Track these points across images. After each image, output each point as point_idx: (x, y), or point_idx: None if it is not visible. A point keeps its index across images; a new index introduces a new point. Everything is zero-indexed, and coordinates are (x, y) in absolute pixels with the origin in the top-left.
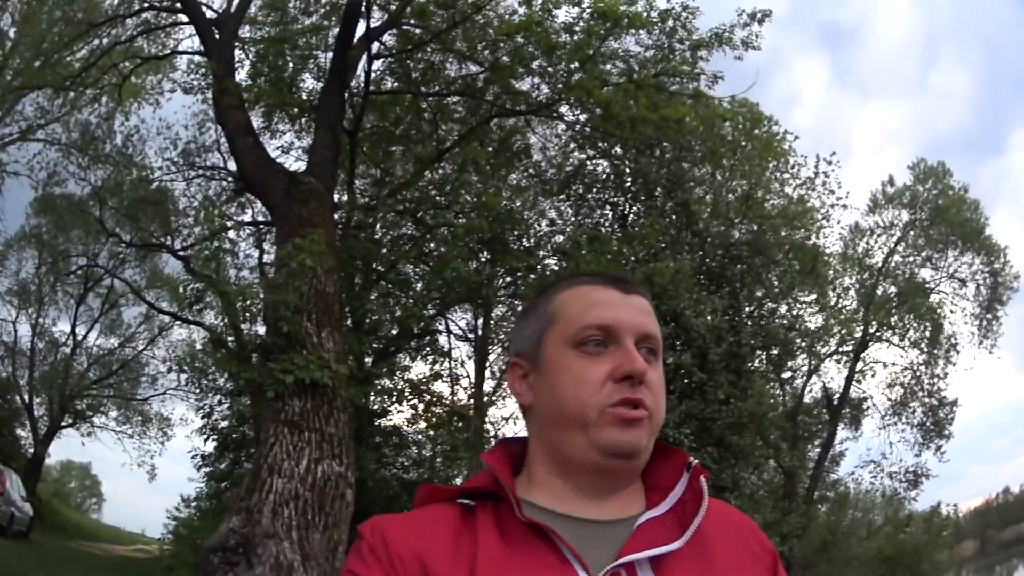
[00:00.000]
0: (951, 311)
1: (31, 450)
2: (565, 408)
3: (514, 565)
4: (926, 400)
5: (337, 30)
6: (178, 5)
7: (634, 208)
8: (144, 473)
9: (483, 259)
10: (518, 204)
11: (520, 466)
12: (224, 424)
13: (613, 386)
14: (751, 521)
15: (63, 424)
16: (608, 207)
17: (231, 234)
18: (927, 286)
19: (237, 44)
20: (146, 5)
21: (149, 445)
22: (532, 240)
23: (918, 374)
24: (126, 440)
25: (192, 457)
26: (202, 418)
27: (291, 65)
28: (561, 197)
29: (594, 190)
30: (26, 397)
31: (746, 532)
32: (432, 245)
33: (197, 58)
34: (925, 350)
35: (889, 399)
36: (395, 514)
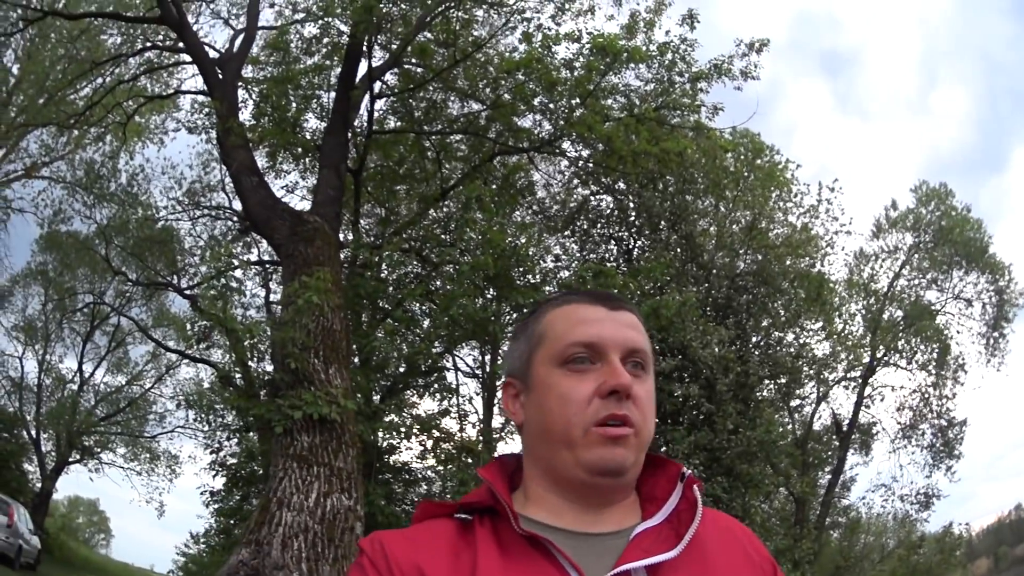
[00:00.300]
0: (958, 331)
1: (38, 485)
2: (552, 427)
3: None
4: (935, 422)
5: (339, 70)
6: (180, 45)
7: (639, 242)
8: (153, 509)
9: (489, 296)
10: (523, 241)
11: (517, 482)
12: (233, 461)
13: (599, 402)
14: (748, 529)
15: (70, 460)
16: (613, 242)
17: (237, 273)
18: (933, 308)
19: (240, 84)
20: (149, 44)
21: (157, 482)
22: (537, 276)
23: (926, 396)
24: (134, 477)
25: (201, 493)
26: (211, 454)
27: (294, 105)
28: (566, 233)
29: (598, 225)
30: (33, 432)
31: (743, 540)
32: (438, 283)
33: (201, 98)
34: (933, 372)
35: (898, 422)
36: (395, 529)
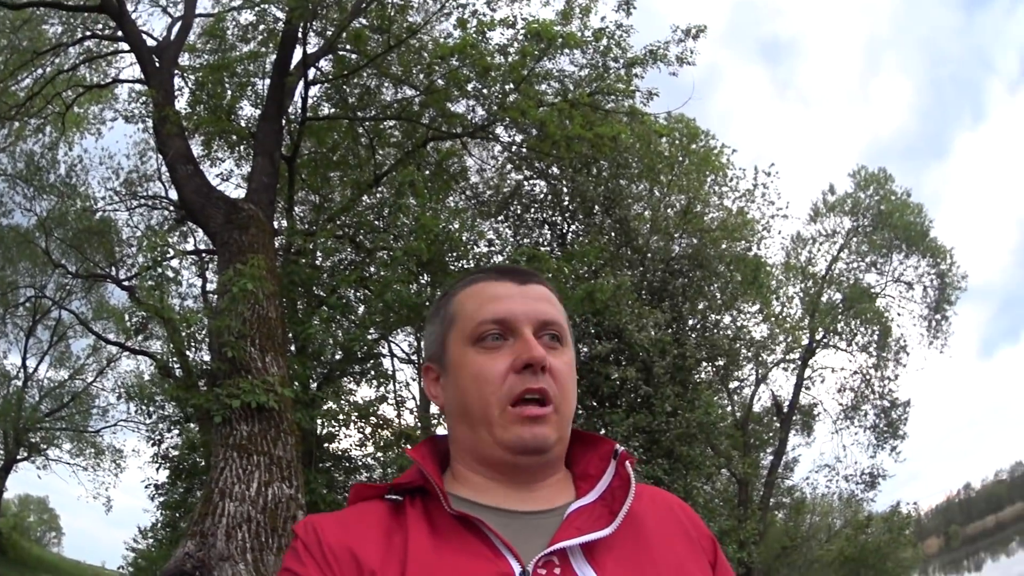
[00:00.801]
0: (898, 314)
1: None
2: (469, 407)
3: (444, 558)
4: (878, 403)
5: (274, 57)
6: (119, 34)
7: (572, 226)
8: (100, 505)
9: (423, 281)
10: (456, 226)
11: (447, 462)
12: (175, 453)
13: (515, 378)
14: (687, 506)
15: (18, 457)
16: (546, 226)
17: (174, 263)
18: (872, 291)
19: (177, 72)
20: (88, 33)
21: (103, 477)
22: (471, 261)
23: (868, 378)
24: (80, 473)
25: (146, 487)
26: (152, 446)
27: (229, 92)
28: (499, 218)
29: (532, 210)
30: None
31: (681, 517)
32: (372, 269)
33: (138, 86)
34: (874, 354)
35: (840, 404)
36: (328, 513)
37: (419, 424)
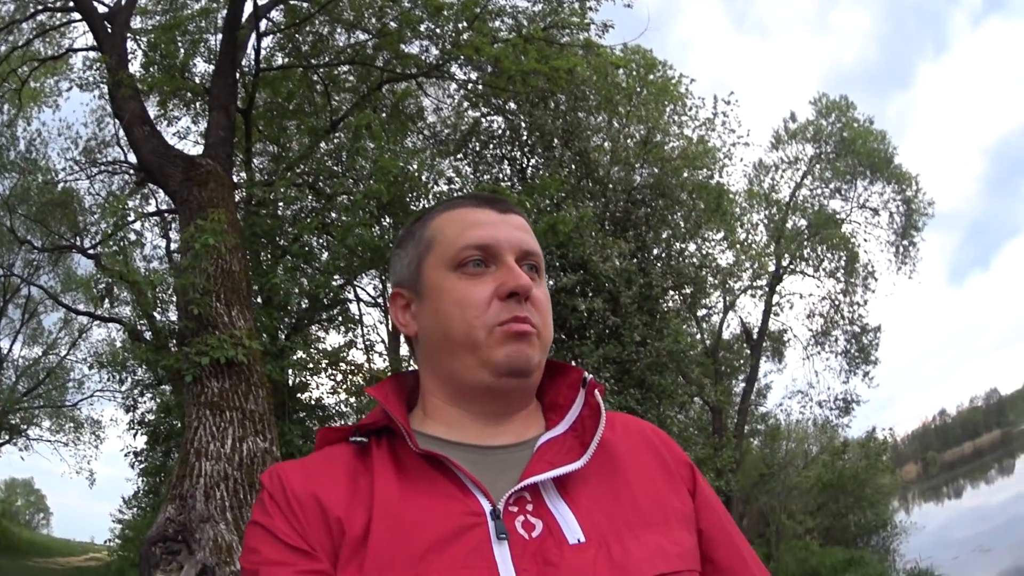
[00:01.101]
0: (865, 240)
1: None
2: (452, 331)
3: (411, 498)
4: (848, 328)
5: (225, 12)
6: (71, 4)
7: (532, 161)
8: (84, 480)
9: (385, 223)
10: (415, 166)
11: (415, 400)
12: (151, 417)
13: (499, 305)
14: (662, 432)
15: (1, 441)
16: (506, 162)
17: (137, 226)
18: (838, 217)
19: (129, 35)
20: (41, 7)
21: (84, 450)
22: (431, 200)
23: (837, 303)
24: (62, 449)
25: (125, 455)
26: (127, 412)
27: (182, 51)
28: (459, 156)
29: (491, 146)
30: None
31: (657, 444)
32: (333, 215)
33: (92, 54)
34: (842, 279)
35: (810, 329)
36: (293, 460)
37: (390, 367)
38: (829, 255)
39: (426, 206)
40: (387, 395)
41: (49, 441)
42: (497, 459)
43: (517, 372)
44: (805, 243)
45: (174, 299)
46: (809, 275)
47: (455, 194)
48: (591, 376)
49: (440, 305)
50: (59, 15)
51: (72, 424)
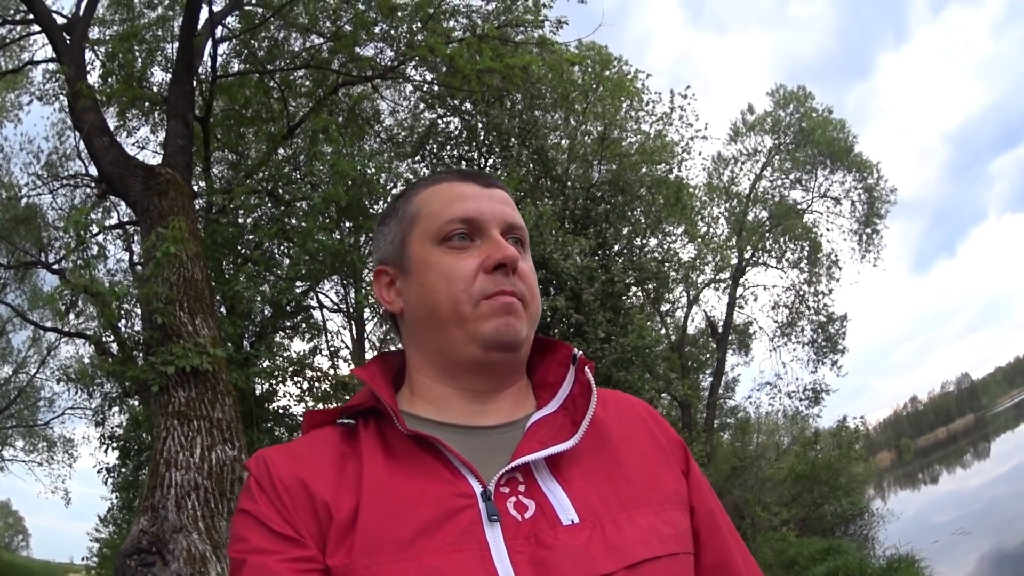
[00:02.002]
0: (827, 229)
1: None
2: (438, 306)
3: (400, 481)
4: (814, 318)
5: (181, 19)
6: (30, 16)
7: (490, 160)
8: (59, 499)
9: (345, 228)
10: (372, 168)
11: (402, 380)
12: (121, 432)
13: (485, 277)
14: (654, 411)
15: None
16: (464, 162)
17: (100, 238)
18: (799, 207)
19: (88, 46)
20: (1, 19)
21: (59, 469)
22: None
23: (802, 294)
24: (36, 469)
25: (98, 472)
26: (96, 426)
27: (140, 60)
28: (416, 158)
29: (448, 147)
30: None
31: (649, 421)
32: (293, 221)
33: (51, 66)
34: (805, 269)
35: (775, 321)
36: (280, 445)
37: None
38: (791, 246)
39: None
40: (373, 375)
41: (23, 461)
42: (487, 439)
43: (505, 345)
44: (767, 234)
45: (139, 311)
46: (772, 266)
47: None
48: (580, 352)
49: (426, 280)
50: (18, 28)
51: (45, 443)
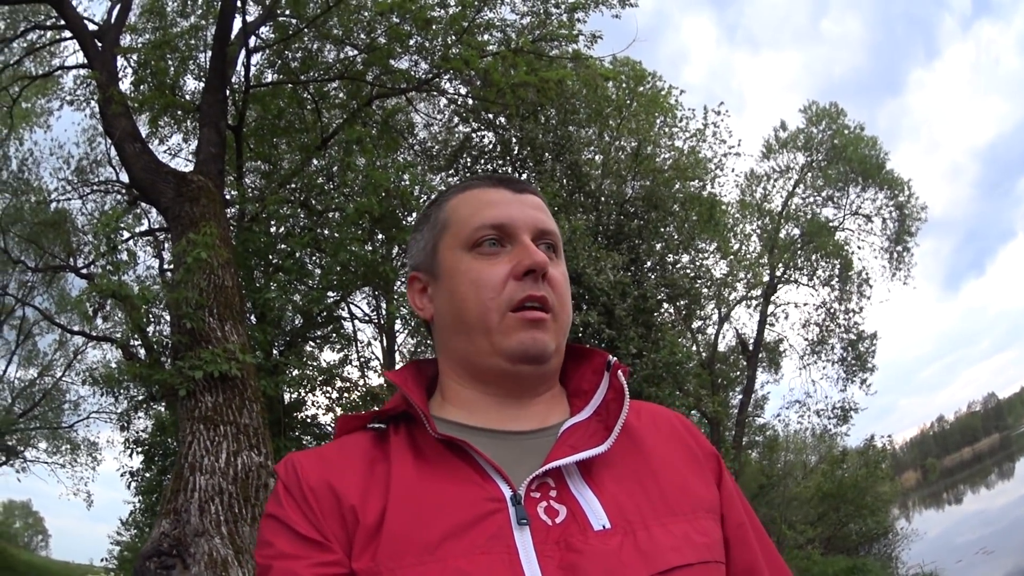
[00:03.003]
0: (859, 247)
1: None
2: (466, 313)
3: (430, 484)
4: (844, 336)
5: (214, 29)
6: (61, 22)
7: (524, 175)
8: (81, 502)
9: (378, 239)
10: (406, 180)
11: (434, 387)
12: (146, 436)
13: (515, 284)
14: (688, 421)
15: None
16: (496, 173)
17: (130, 244)
18: (831, 225)
19: (119, 53)
20: (30, 25)
21: (82, 472)
22: None
23: (832, 311)
24: (59, 470)
25: (122, 475)
26: (121, 430)
27: (172, 68)
28: (450, 171)
29: (482, 161)
30: None
31: (683, 433)
32: (326, 231)
33: (83, 72)
34: (836, 287)
35: (806, 339)
36: (309, 449)
37: (385, 383)
38: (823, 263)
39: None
40: (406, 380)
41: (46, 463)
42: (518, 444)
43: (532, 359)
44: (799, 252)
45: (167, 316)
46: (803, 284)
47: None
48: (615, 359)
49: (455, 286)
50: (49, 33)
51: (69, 446)
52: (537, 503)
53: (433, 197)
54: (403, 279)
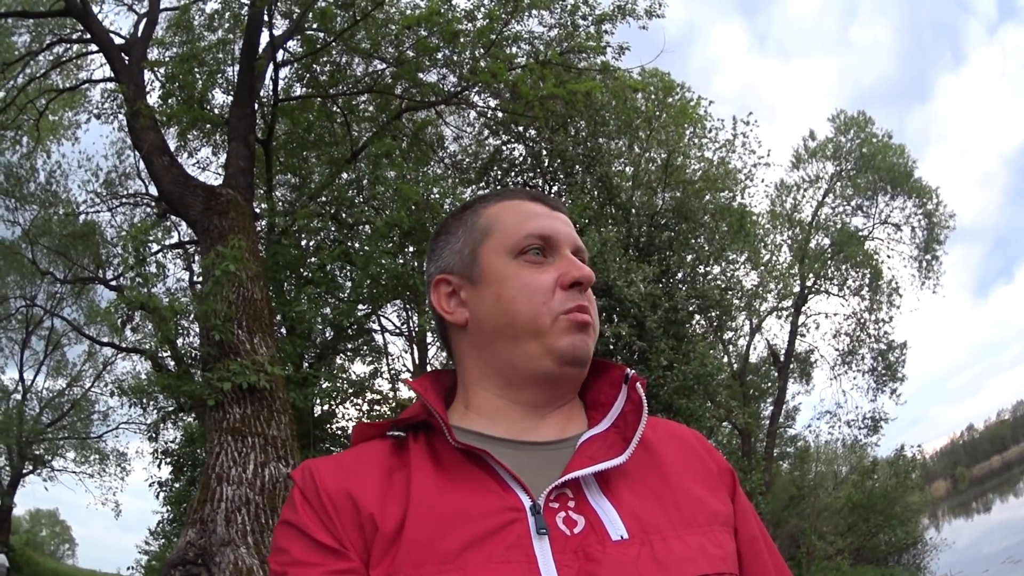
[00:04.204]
0: (888, 256)
1: None
2: (516, 316)
3: (449, 493)
4: (874, 346)
5: (242, 43)
6: (87, 36)
7: (554, 188)
8: (109, 511)
9: (408, 253)
10: (436, 193)
11: (451, 397)
12: (175, 447)
13: (563, 293)
14: (704, 438)
15: (25, 471)
16: (528, 188)
17: (159, 256)
18: (861, 234)
19: (146, 66)
20: (57, 39)
21: (110, 482)
22: None
23: (862, 321)
24: (87, 480)
25: (150, 486)
26: (150, 440)
27: (200, 81)
28: (480, 184)
29: (512, 174)
30: None
31: (699, 448)
32: (356, 245)
33: (110, 85)
34: (866, 297)
35: (836, 349)
36: (327, 456)
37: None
38: (853, 273)
39: None
40: (426, 389)
41: (74, 472)
42: (537, 455)
43: (578, 361)
44: (829, 262)
45: (196, 328)
46: (834, 294)
47: None
48: (633, 371)
49: (503, 290)
50: (75, 47)
51: (97, 456)
52: (556, 513)
53: (465, 202)
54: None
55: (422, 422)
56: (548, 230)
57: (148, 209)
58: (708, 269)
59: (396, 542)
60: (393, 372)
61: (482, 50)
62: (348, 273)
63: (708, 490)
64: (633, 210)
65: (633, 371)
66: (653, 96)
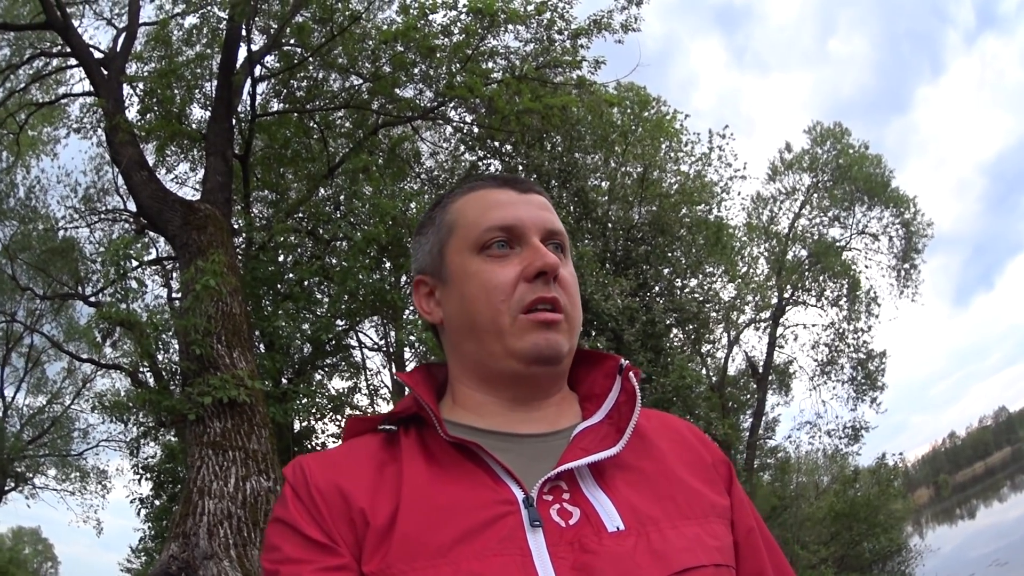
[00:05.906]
0: (866, 266)
1: None
2: (477, 317)
3: (442, 487)
4: (853, 356)
5: (220, 58)
6: (67, 49)
7: None
8: (91, 529)
9: (386, 267)
10: (413, 208)
11: (444, 391)
12: (155, 463)
13: (526, 286)
14: (698, 429)
15: (7, 489)
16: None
17: (138, 272)
18: (838, 245)
19: (125, 80)
20: (37, 52)
21: (91, 500)
22: None
23: (841, 331)
24: (68, 498)
25: (131, 503)
26: (131, 455)
27: (178, 96)
28: None
29: None
30: None
31: (693, 439)
32: (333, 260)
33: (89, 99)
34: (844, 307)
35: (815, 360)
36: (318, 452)
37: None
38: (831, 284)
39: None
40: (417, 382)
41: (55, 490)
42: (530, 447)
43: (546, 360)
44: (806, 273)
45: (176, 343)
46: (812, 305)
47: None
48: (627, 362)
49: (464, 290)
50: (55, 60)
51: (78, 473)
52: (550, 505)
53: (436, 197)
54: (412, 307)
55: (413, 416)
56: (510, 220)
57: (127, 225)
58: (685, 282)
59: (388, 536)
60: (371, 388)
61: (458, 65)
62: (326, 289)
63: (703, 481)
64: (609, 224)
65: (627, 361)
66: (629, 110)
